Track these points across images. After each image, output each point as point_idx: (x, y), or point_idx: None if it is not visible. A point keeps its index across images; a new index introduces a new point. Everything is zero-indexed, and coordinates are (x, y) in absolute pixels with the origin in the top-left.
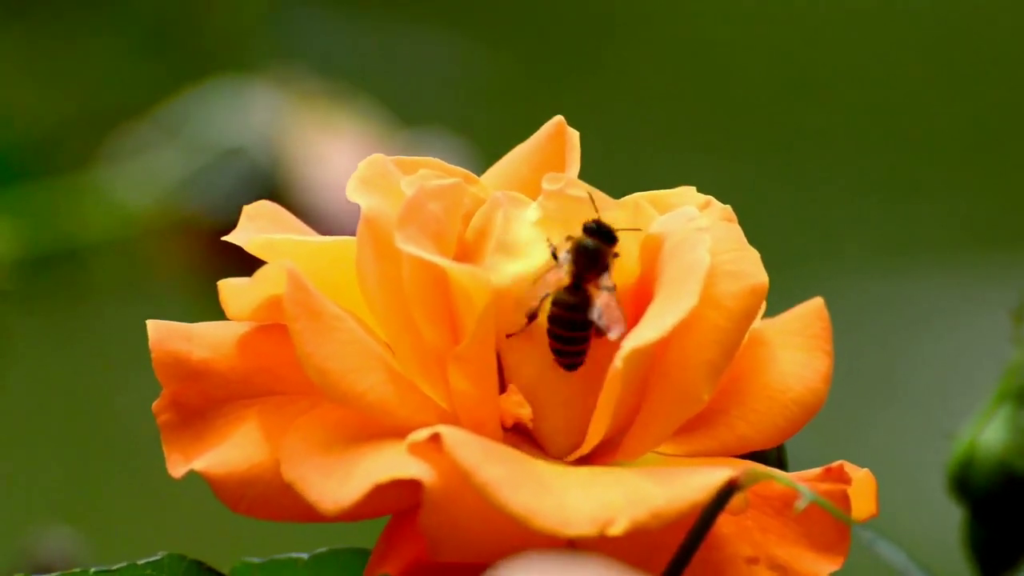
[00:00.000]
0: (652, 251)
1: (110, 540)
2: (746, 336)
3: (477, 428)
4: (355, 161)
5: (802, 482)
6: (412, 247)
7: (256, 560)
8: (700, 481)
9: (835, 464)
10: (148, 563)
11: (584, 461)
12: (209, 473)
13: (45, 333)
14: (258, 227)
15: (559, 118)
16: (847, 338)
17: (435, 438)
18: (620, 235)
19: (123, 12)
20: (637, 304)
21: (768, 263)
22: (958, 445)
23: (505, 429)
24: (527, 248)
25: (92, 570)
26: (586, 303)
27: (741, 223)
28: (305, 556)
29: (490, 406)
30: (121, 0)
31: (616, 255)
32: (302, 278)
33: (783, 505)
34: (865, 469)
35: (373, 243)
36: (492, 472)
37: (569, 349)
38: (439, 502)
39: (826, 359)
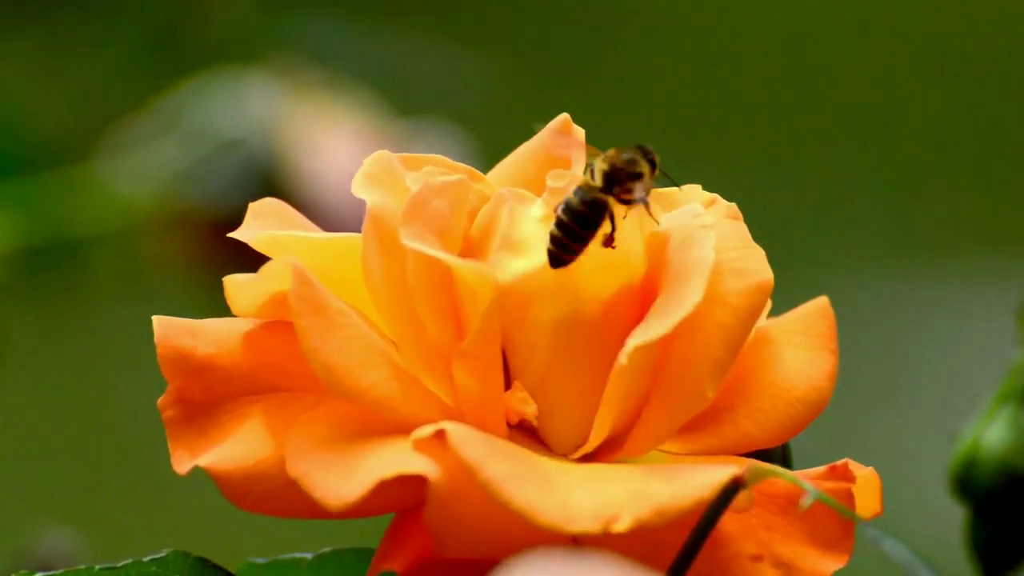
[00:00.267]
0: (657, 248)
1: (111, 539)
2: (751, 334)
3: (481, 425)
4: (353, 152)
5: (806, 480)
6: (417, 243)
7: (260, 560)
8: (704, 478)
9: (839, 462)
10: (153, 560)
11: (589, 458)
12: (214, 469)
13: (44, 327)
14: (263, 224)
15: (565, 115)
16: (848, 337)
17: (440, 434)
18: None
19: (122, 5)
20: (642, 301)
21: (769, 263)
22: (960, 445)
23: (510, 426)
24: (532, 244)
25: (97, 567)
26: (604, 205)
27: None
28: (309, 556)
29: (495, 403)
30: None
31: (652, 173)
32: (307, 274)
33: (787, 503)
34: (870, 467)
35: (378, 239)
36: (496, 468)
37: (564, 240)
38: (444, 498)
39: (831, 358)
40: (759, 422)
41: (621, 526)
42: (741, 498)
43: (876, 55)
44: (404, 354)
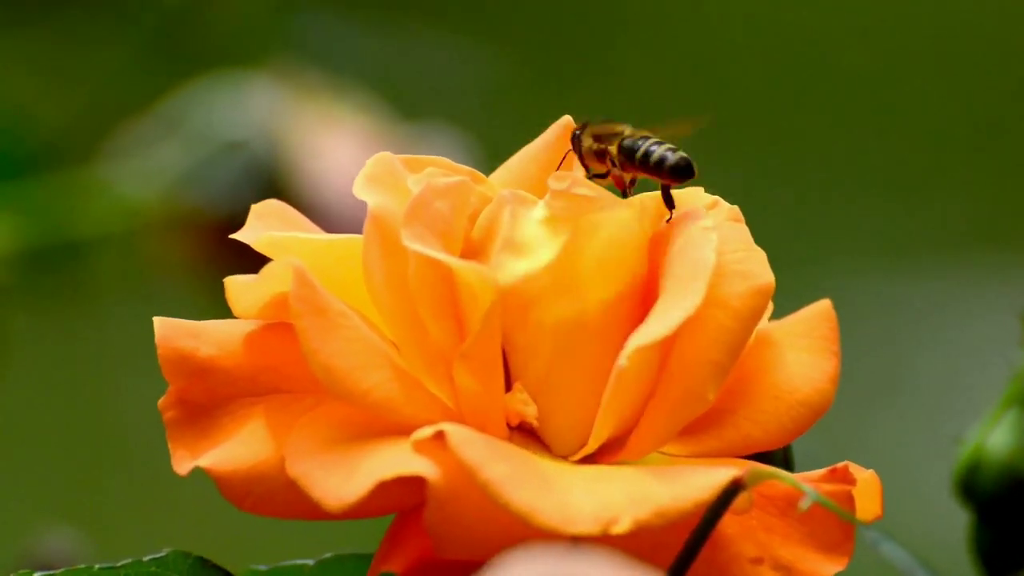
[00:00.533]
0: (658, 251)
1: (111, 539)
2: (753, 337)
3: (482, 426)
4: (356, 155)
5: (807, 483)
6: (418, 245)
7: (262, 567)
8: (704, 480)
9: (840, 465)
10: (153, 560)
11: (589, 460)
12: (214, 470)
13: (46, 328)
14: (266, 225)
15: (567, 118)
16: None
17: (440, 435)
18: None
19: (125, 8)
20: (643, 303)
21: (769, 263)
22: (965, 449)
23: (510, 427)
24: (533, 246)
25: (97, 567)
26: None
27: None
28: (311, 562)
29: (495, 404)
30: None
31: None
32: (308, 275)
33: (788, 505)
34: (870, 470)
35: (380, 241)
36: (496, 470)
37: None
38: (443, 499)
39: (833, 360)
40: (760, 424)
41: (620, 528)
42: (741, 500)
43: (876, 55)
44: (405, 356)
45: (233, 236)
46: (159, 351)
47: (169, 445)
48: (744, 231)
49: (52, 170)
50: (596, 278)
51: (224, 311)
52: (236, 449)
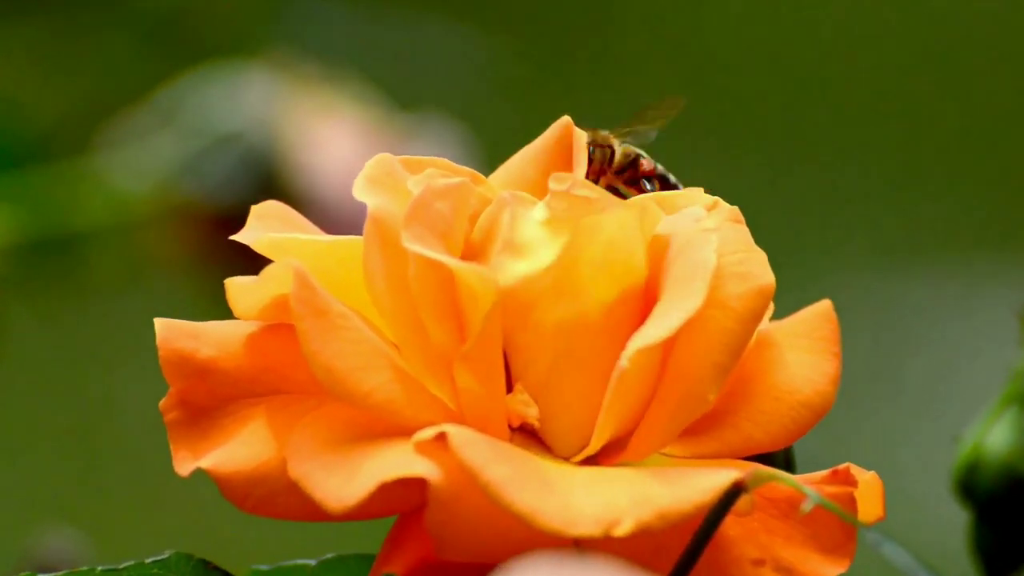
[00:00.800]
0: (659, 252)
1: (112, 541)
2: (753, 338)
3: (483, 428)
4: (353, 146)
5: (808, 484)
6: (419, 246)
7: (264, 567)
8: (706, 482)
9: (842, 466)
10: (155, 562)
11: (590, 462)
12: (216, 471)
13: (42, 321)
14: (266, 226)
15: (566, 118)
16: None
17: (441, 437)
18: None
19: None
20: (644, 304)
21: (769, 263)
22: (963, 448)
23: (511, 429)
24: (534, 248)
25: (99, 569)
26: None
27: None
28: (312, 562)
29: (496, 406)
30: None
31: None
32: (308, 277)
33: (789, 507)
34: (872, 472)
35: (380, 242)
36: (497, 471)
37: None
38: (445, 501)
39: (834, 361)
40: (761, 426)
41: (622, 530)
42: (743, 502)
43: (876, 54)
44: (406, 357)
45: (234, 237)
46: (160, 352)
47: (171, 446)
48: (744, 232)
49: (47, 162)
50: (596, 279)
51: (221, 304)
52: (237, 450)
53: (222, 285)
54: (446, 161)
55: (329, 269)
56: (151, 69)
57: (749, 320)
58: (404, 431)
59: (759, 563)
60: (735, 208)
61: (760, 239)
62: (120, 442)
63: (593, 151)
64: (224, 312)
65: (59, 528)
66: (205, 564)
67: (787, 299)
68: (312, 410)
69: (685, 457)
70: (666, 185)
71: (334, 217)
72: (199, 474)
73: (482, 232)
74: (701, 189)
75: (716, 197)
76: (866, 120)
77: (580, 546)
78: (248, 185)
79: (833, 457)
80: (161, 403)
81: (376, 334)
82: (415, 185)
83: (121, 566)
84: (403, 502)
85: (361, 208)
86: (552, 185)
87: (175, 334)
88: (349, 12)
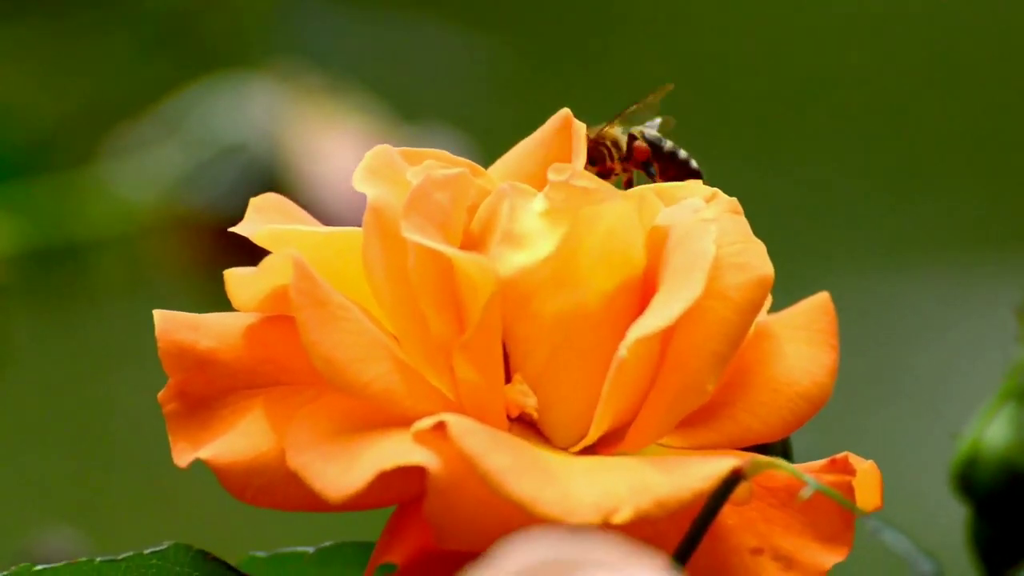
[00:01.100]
0: (658, 243)
1: (112, 535)
2: (752, 329)
3: (482, 417)
4: (356, 157)
5: (807, 473)
6: (418, 236)
7: (262, 554)
8: (705, 470)
9: (840, 455)
10: (153, 553)
11: (589, 451)
12: (215, 462)
13: (46, 329)
14: (265, 219)
15: (566, 111)
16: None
17: (440, 426)
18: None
19: (125, 8)
20: (643, 294)
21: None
22: (962, 443)
23: (510, 419)
24: (533, 238)
25: (98, 560)
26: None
27: None
28: (311, 550)
29: (495, 395)
30: None
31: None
32: (308, 267)
33: (787, 496)
34: (870, 461)
35: (379, 232)
36: (497, 460)
37: None
38: (444, 490)
39: (832, 353)
40: (759, 416)
41: (621, 517)
42: (741, 491)
43: (876, 54)
44: (405, 348)
45: (233, 229)
46: (159, 344)
47: (169, 437)
48: (743, 223)
49: (51, 170)
50: (595, 270)
51: (223, 311)
52: (236, 441)
53: (224, 294)
54: (445, 153)
55: (328, 260)
56: (154, 78)
57: (748, 310)
58: (403, 421)
59: (757, 552)
60: (734, 199)
61: (759, 237)
62: (120, 444)
63: (599, 148)
64: None
65: (57, 525)
66: (204, 555)
67: (787, 299)
68: (311, 401)
69: (683, 448)
70: (675, 161)
71: (336, 226)
72: (198, 472)
73: (481, 223)
74: (700, 181)
75: (715, 188)
76: (865, 120)
77: None
78: (251, 195)
79: (832, 453)
80: (160, 394)
81: (375, 325)
82: (414, 176)
83: (120, 557)
84: (402, 491)
85: (363, 216)
86: (551, 176)
87: (174, 325)
88: (352, 22)
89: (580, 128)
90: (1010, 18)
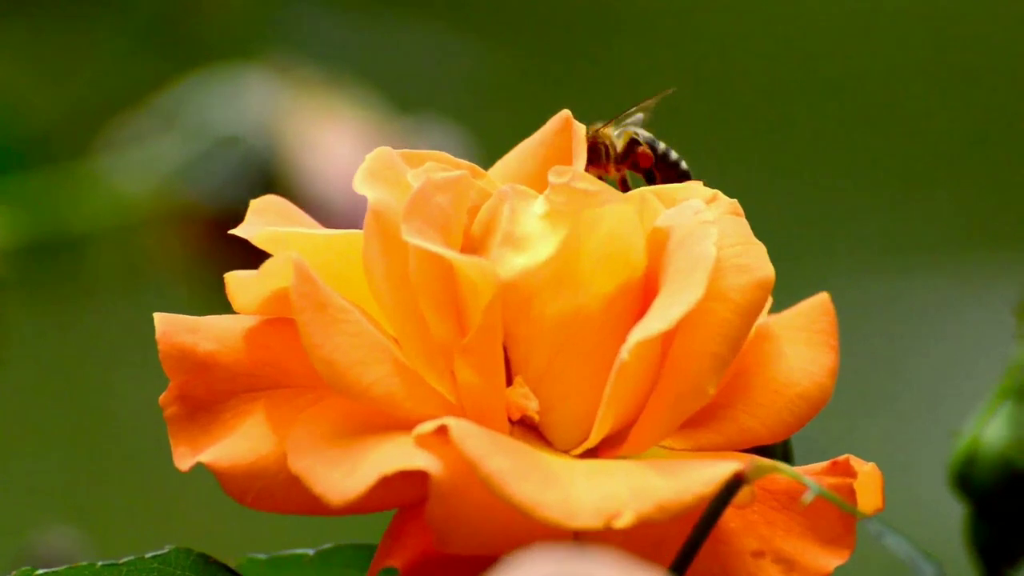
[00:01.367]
0: (659, 245)
1: (112, 536)
2: (752, 331)
3: (483, 420)
4: (353, 149)
5: (808, 476)
6: (419, 239)
7: (262, 556)
8: (706, 474)
9: (841, 458)
10: (155, 556)
11: (591, 454)
12: (216, 465)
13: (44, 322)
14: (265, 221)
15: (565, 112)
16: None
17: (442, 430)
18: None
19: (122, 2)
20: (644, 297)
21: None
22: (960, 442)
23: (511, 422)
24: (534, 241)
25: (99, 564)
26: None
27: None
28: (311, 552)
29: (496, 398)
30: None
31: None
32: (308, 270)
33: (789, 499)
34: (871, 463)
35: (380, 236)
36: (498, 463)
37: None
38: (446, 494)
39: (832, 354)
40: (760, 418)
41: (623, 522)
42: (743, 494)
43: (876, 54)
44: (406, 350)
45: (233, 232)
46: (159, 347)
47: (170, 441)
48: (744, 225)
49: (48, 164)
50: (596, 272)
51: (222, 305)
52: (237, 444)
53: (222, 286)
54: (446, 155)
55: (329, 263)
56: (151, 72)
57: (749, 312)
58: (405, 424)
59: (759, 555)
60: (734, 201)
61: (759, 237)
62: (120, 442)
63: (595, 147)
64: (224, 312)
65: (58, 526)
66: (205, 559)
67: (787, 299)
68: (312, 404)
69: (684, 450)
70: (667, 161)
71: (334, 219)
72: (199, 472)
73: (482, 225)
74: (700, 183)
75: (715, 190)
76: (866, 120)
77: (580, 538)
78: (248, 188)
79: (833, 453)
80: (160, 398)
81: (376, 328)
82: (415, 178)
83: (121, 561)
84: (403, 495)
85: (361, 210)
86: (551, 178)
87: (175, 328)
88: (347, 16)
89: (580, 129)
90: (1010, 18)
